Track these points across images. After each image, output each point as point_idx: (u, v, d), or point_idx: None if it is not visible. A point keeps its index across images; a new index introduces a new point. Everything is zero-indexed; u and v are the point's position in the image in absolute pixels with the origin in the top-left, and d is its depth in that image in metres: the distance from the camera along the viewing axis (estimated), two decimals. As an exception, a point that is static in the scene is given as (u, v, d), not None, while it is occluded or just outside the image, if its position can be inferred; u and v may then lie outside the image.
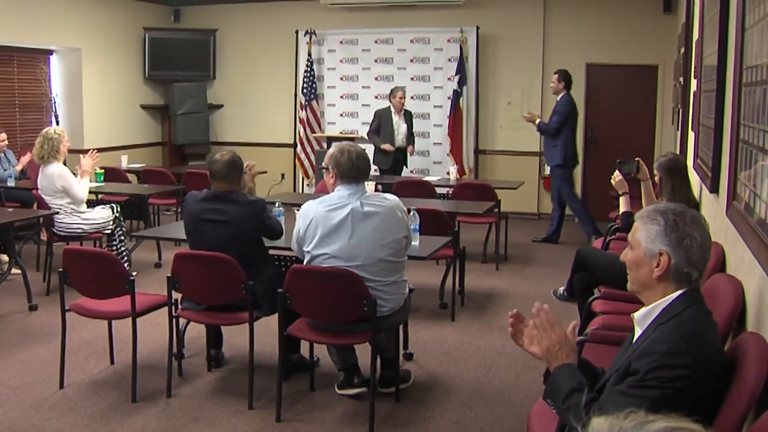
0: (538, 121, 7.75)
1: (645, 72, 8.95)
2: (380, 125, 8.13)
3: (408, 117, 8.27)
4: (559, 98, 7.72)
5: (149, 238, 5.52)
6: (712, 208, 3.65)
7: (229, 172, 3.82)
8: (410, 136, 8.25)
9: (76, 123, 9.09)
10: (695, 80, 4.96)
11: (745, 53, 2.64)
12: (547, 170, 8.97)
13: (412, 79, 9.39)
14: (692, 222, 1.86)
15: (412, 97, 9.35)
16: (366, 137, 8.16)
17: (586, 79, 9.09)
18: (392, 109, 8.16)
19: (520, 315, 2.05)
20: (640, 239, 1.91)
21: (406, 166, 8.45)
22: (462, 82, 9.06)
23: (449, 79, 9.19)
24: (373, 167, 7.62)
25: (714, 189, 3.47)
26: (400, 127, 8.21)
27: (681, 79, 6.55)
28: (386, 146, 8.07)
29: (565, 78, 7.70)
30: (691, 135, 5.14)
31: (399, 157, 8.24)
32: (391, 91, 8.25)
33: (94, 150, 6.41)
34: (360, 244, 3.40)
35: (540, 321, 1.99)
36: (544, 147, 7.91)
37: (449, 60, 9.22)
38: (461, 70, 9.06)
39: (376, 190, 6.36)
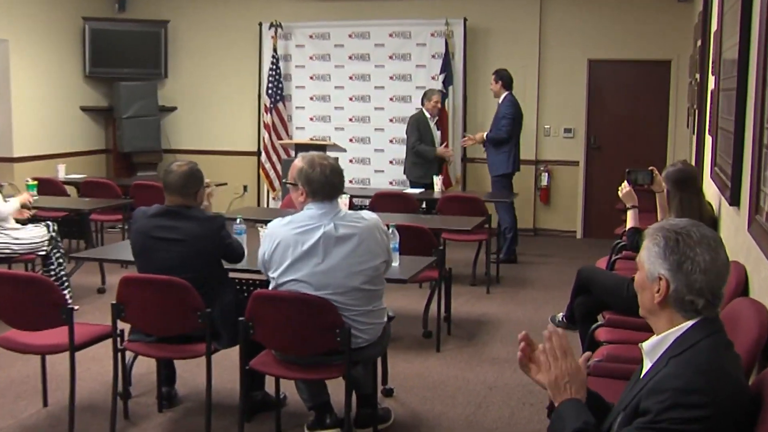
0: (484, 134, 7.95)
1: (656, 68, 9.08)
2: (420, 134, 8.13)
3: (438, 124, 8.44)
4: (501, 100, 7.92)
5: (91, 260, 5.48)
6: (733, 223, 3.67)
7: (185, 184, 3.82)
8: (444, 143, 8.45)
9: (3, 127, 9.01)
10: (713, 77, 5.01)
11: None
12: (545, 180, 9.09)
13: (391, 78, 9.45)
14: (699, 242, 1.86)
15: (391, 99, 9.42)
16: (337, 147, 8.18)
17: (588, 77, 9.22)
18: (427, 114, 8.19)
19: (530, 339, 2.04)
20: (643, 259, 1.94)
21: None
22: (447, 82, 9.12)
23: (433, 78, 9.25)
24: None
25: (734, 201, 3.47)
26: (435, 134, 8.31)
27: (697, 76, 6.63)
28: (442, 150, 8.16)
29: (503, 78, 7.91)
30: (708, 140, 5.20)
31: (437, 169, 8.29)
32: (425, 93, 8.29)
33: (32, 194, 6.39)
34: (331, 272, 3.39)
35: (551, 347, 1.98)
36: (488, 155, 8.06)
37: (433, 56, 9.29)
38: (447, 67, 9.13)
39: (351, 206, 6.35)
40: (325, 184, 3.45)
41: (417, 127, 8.13)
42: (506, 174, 7.93)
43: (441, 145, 8.33)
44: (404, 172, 8.40)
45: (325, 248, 3.40)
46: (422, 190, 7.81)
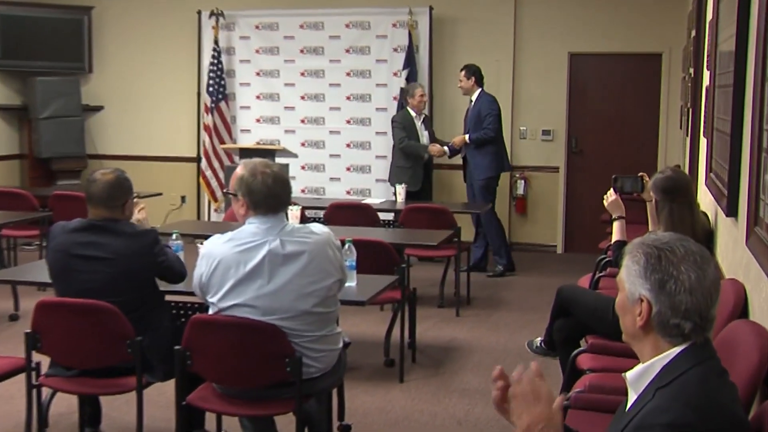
0: (465, 137, 8.08)
1: (645, 62, 9.22)
2: (407, 133, 8.25)
3: (427, 121, 8.50)
4: (475, 97, 8.11)
5: (2, 282, 5.38)
6: (730, 236, 3.71)
7: (111, 194, 3.79)
8: (434, 142, 8.48)
9: None
10: (708, 72, 5.08)
11: None
12: (521, 188, 9.16)
13: (348, 74, 9.47)
14: (683, 259, 1.87)
15: (348, 98, 9.44)
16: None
17: (569, 72, 9.32)
18: (411, 112, 8.28)
19: (507, 375, 2.04)
20: (623, 279, 1.96)
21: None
22: (411, 78, 9.14)
23: (395, 74, 9.29)
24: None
25: (731, 212, 3.50)
26: (423, 135, 8.37)
27: (691, 71, 6.69)
28: (434, 147, 8.23)
29: (476, 73, 8.09)
30: (703, 142, 5.27)
31: (425, 175, 8.40)
32: (407, 90, 8.40)
33: None
34: (279, 294, 3.39)
35: (522, 390, 1.98)
36: (470, 158, 8.18)
37: (395, 50, 9.33)
38: (410, 62, 9.17)
39: (303, 218, 6.33)
40: (268, 195, 3.44)
41: (403, 125, 8.23)
42: (493, 177, 8.12)
43: (427, 144, 8.35)
44: (389, 179, 8.48)
45: (271, 268, 3.39)
46: (381, 200, 7.83)
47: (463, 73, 8.11)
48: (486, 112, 8.01)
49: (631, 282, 1.92)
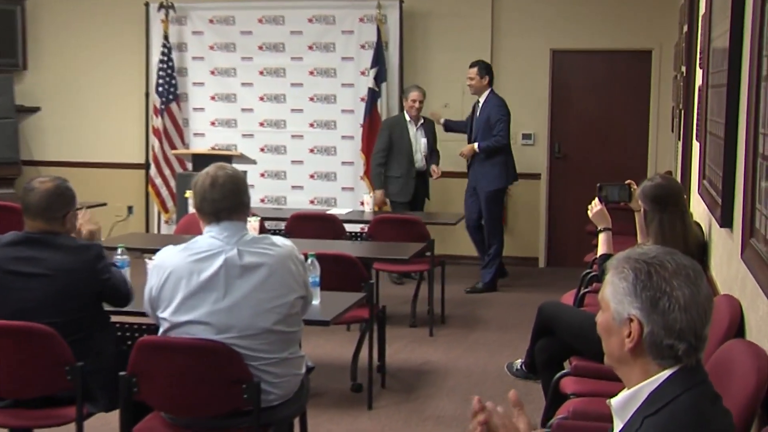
0: (475, 146, 8.07)
1: (634, 60, 9.29)
2: (391, 143, 8.24)
3: (429, 127, 8.46)
4: (483, 99, 8.12)
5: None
6: (725, 249, 3.74)
7: (50, 205, 3.76)
8: (433, 153, 8.45)
9: None
10: (701, 71, 5.12)
11: (766, 31, 2.66)
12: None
13: (311, 73, 9.47)
14: (675, 274, 1.88)
15: (311, 99, 9.44)
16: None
17: (552, 71, 9.38)
18: (407, 116, 8.29)
19: (485, 406, 2.05)
20: (608, 298, 1.95)
21: (428, 198, 8.64)
22: (380, 78, 9.18)
23: (363, 73, 9.32)
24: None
25: (725, 222, 3.54)
26: (419, 142, 8.34)
27: (683, 69, 6.77)
28: (378, 193, 8.23)
29: (489, 71, 8.12)
30: (696, 146, 5.31)
31: (418, 185, 8.36)
32: (403, 91, 8.39)
33: None
34: (236, 309, 3.38)
35: (501, 423, 1.99)
36: (478, 167, 8.19)
37: (362, 47, 9.35)
38: (379, 60, 9.19)
39: (263, 229, 6.33)
40: (203, 200, 3.45)
41: (389, 133, 8.24)
42: (502, 188, 8.17)
43: (426, 155, 8.35)
44: (372, 180, 8.57)
45: (227, 280, 3.38)
46: (348, 210, 7.84)
47: (474, 70, 8.06)
48: (496, 117, 7.98)
49: (618, 301, 1.92)
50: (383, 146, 8.32)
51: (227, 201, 3.44)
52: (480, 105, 8.15)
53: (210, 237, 3.44)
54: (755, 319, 2.91)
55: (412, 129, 8.36)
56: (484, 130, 8.05)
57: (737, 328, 3.13)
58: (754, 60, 2.85)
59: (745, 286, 3.07)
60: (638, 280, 1.89)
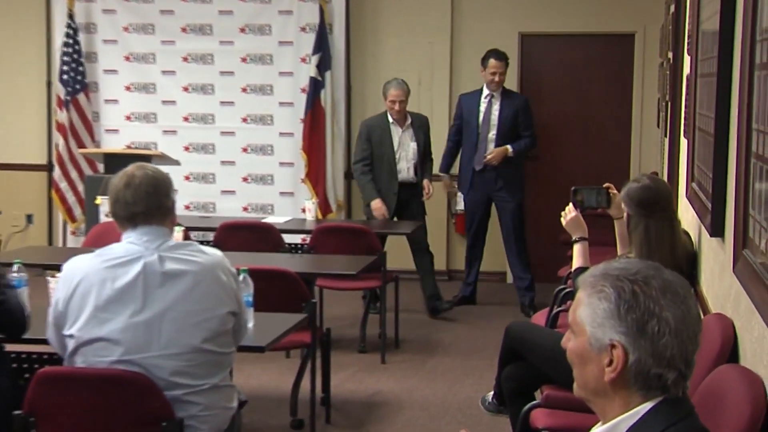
0: (509, 148, 8.11)
1: (614, 45, 9.38)
2: (371, 148, 7.91)
3: (421, 128, 8.07)
4: (500, 94, 8.18)
5: None
6: (716, 261, 3.75)
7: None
8: (424, 163, 8.10)
9: None
10: (689, 57, 5.15)
11: (760, 12, 2.65)
12: (460, 204, 9.10)
13: (243, 60, 9.47)
14: (663, 292, 1.87)
15: (244, 90, 9.43)
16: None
17: (520, 57, 9.41)
18: (389, 117, 8.00)
19: None
20: (583, 320, 1.93)
21: (425, 214, 8.27)
22: (324, 66, 9.20)
23: (303, 60, 9.33)
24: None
25: (716, 231, 3.54)
26: (406, 148, 8.01)
27: (670, 56, 6.82)
28: (375, 204, 7.83)
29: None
30: (684, 144, 5.34)
31: (404, 200, 8.01)
32: (383, 87, 8.04)
33: None
34: (156, 322, 3.37)
35: None
36: (503, 174, 8.17)
37: (303, 30, 9.36)
38: (323, 45, 9.21)
39: (186, 238, 6.27)
40: (116, 202, 3.47)
41: (367, 136, 7.94)
42: (523, 199, 8.32)
43: (416, 163, 8.04)
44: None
45: (146, 289, 3.38)
46: (287, 219, 7.80)
47: (503, 64, 8.14)
48: (528, 114, 8.14)
49: (597, 324, 1.90)
50: (364, 153, 7.94)
51: (142, 204, 3.45)
52: (492, 100, 8.16)
53: (128, 242, 3.46)
54: (749, 340, 2.91)
55: (396, 132, 7.99)
56: (510, 129, 8.11)
57: (730, 351, 3.14)
58: (746, 45, 2.84)
59: (739, 304, 3.07)
60: (621, 300, 1.87)
